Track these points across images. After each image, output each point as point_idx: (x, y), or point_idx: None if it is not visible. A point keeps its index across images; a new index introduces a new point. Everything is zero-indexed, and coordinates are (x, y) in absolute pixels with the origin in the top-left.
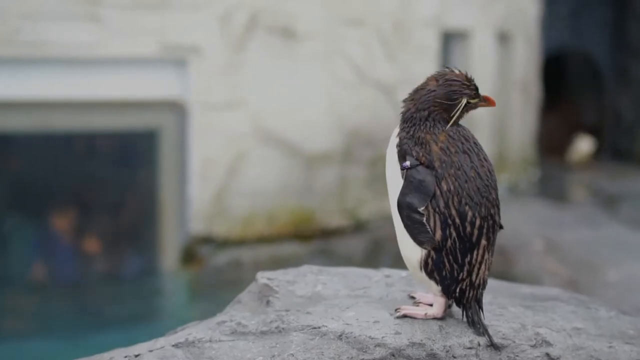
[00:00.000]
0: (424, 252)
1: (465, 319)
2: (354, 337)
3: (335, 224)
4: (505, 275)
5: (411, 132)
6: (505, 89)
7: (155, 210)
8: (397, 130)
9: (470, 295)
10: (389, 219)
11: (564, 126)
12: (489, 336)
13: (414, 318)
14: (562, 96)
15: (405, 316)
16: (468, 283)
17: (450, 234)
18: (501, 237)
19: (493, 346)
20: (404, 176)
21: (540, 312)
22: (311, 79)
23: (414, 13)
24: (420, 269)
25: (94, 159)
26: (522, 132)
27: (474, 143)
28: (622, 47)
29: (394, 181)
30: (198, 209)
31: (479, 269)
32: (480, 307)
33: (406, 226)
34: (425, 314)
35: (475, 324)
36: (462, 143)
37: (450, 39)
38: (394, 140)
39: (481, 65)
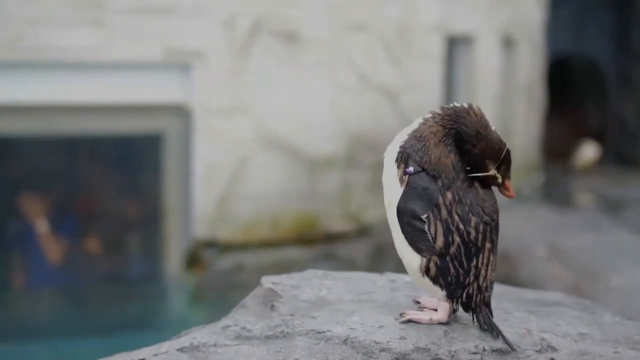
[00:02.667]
0: (425, 258)
1: (477, 324)
2: (359, 342)
3: (339, 228)
4: (509, 280)
5: (424, 137)
6: (510, 94)
7: (159, 214)
8: (410, 127)
9: (478, 299)
10: None
11: (567, 131)
12: (504, 338)
13: (419, 323)
14: (565, 101)
15: (410, 321)
16: (475, 287)
17: (454, 240)
18: (504, 241)
19: (510, 347)
20: (406, 181)
21: (545, 318)
22: (315, 84)
23: (418, 18)
24: (423, 275)
25: (98, 163)
26: (526, 136)
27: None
28: (625, 52)
29: (391, 183)
30: (202, 213)
31: (485, 271)
32: (490, 310)
33: (405, 233)
34: (430, 318)
35: (488, 328)
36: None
37: (454, 44)
38: (400, 138)
39: (485, 70)
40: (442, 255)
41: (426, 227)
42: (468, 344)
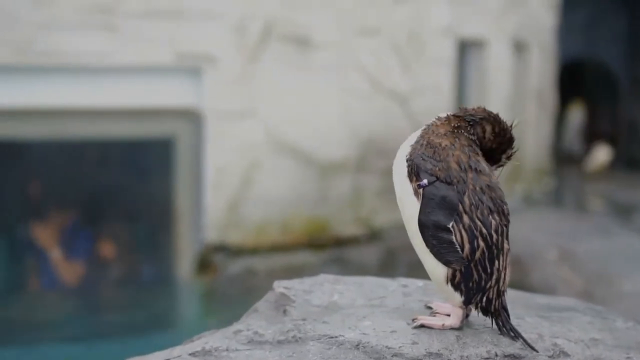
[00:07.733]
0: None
1: (496, 327)
2: (371, 347)
3: (350, 232)
4: (520, 285)
5: (431, 142)
6: (521, 98)
7: (170, 219)
8: (413, 137)
9: (497, 303)
10: (403, 228)
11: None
12: (525, 340)
13: (431, 328)
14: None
15: (422, 326)
16: (495, 291)
17: (479, 245)
18: (515, 246)
19: (531, 349)
20: (422, 194)
21: (557, 323)
22: (325, 89)
23: (429, 23)
24: (447, 282)
25: (109, 167)
26: (537, 141)
27: (477, 160)
28: (637, 56)
29: (406, 197)
30: (212, 218)
31: (504, 274)
32: (508, 313)
33: (432, 246)
34: (443, 324)
35: (509, 331)
36: (469, 157)
37: (465, 49)
38: (403, 153)
39: (496, 75)
40: (467, 262)
41: (453, 237)
42: (480, 349)
